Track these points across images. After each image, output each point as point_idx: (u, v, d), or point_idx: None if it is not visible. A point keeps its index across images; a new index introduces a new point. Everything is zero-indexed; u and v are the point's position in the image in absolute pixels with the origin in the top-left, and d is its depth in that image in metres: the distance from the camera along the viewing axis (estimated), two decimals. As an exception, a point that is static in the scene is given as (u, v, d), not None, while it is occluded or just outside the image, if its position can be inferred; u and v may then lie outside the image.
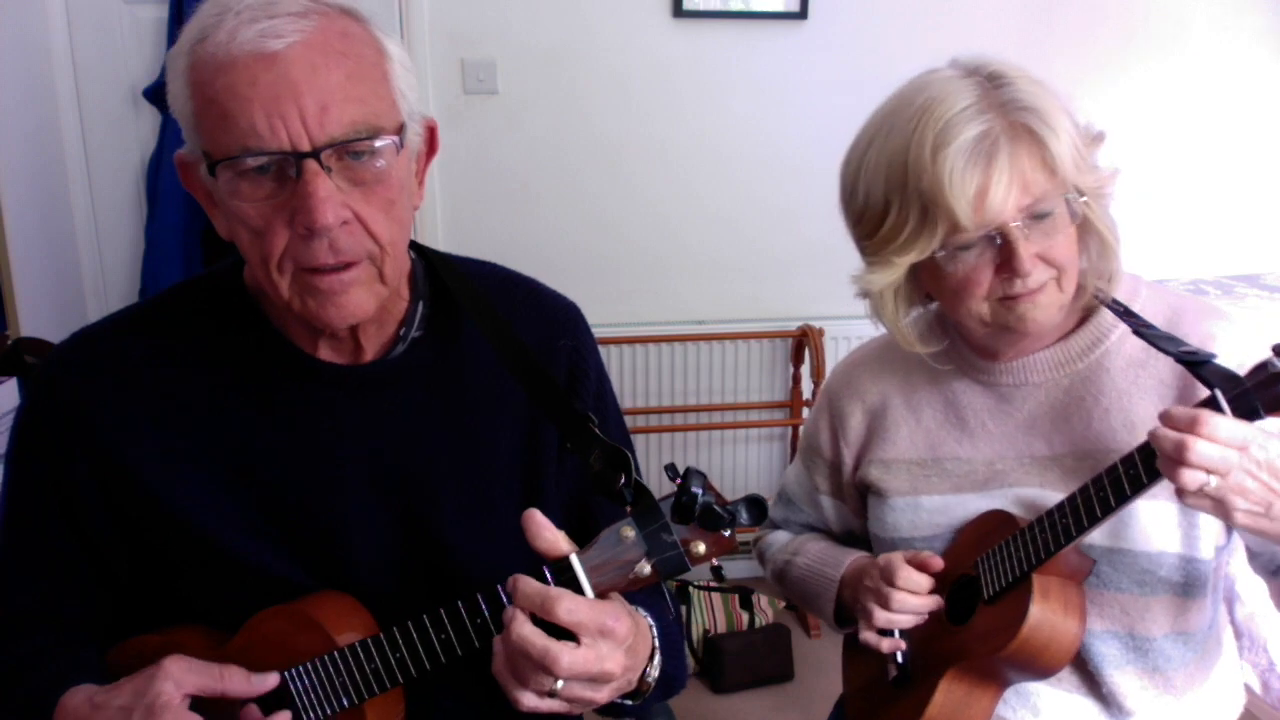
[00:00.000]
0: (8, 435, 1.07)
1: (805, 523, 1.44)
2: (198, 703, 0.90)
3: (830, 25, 2.85)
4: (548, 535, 0.85)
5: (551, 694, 0.83)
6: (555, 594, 0.82)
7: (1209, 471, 0.92)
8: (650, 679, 0.90)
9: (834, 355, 2.94)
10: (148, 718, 0.87)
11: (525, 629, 0.82)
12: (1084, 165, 1.07)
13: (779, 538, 1.45)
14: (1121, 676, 1.15)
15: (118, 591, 1.05)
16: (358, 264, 0.90)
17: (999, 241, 1.05)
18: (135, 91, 2.72)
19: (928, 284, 1.15)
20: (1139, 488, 0.99)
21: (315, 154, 0.84)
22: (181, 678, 0.89)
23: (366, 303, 0.93)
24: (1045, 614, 1.08)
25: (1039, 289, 1.07)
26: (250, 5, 0.84)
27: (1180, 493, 0.95)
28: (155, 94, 2.65)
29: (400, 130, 0.90)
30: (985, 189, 1.02)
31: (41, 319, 2.51)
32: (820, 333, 2.89)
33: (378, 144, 0.88)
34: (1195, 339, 1.08)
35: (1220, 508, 0.96)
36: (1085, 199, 1.07)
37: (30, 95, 2.60)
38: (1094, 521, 1.03)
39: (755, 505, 0.85)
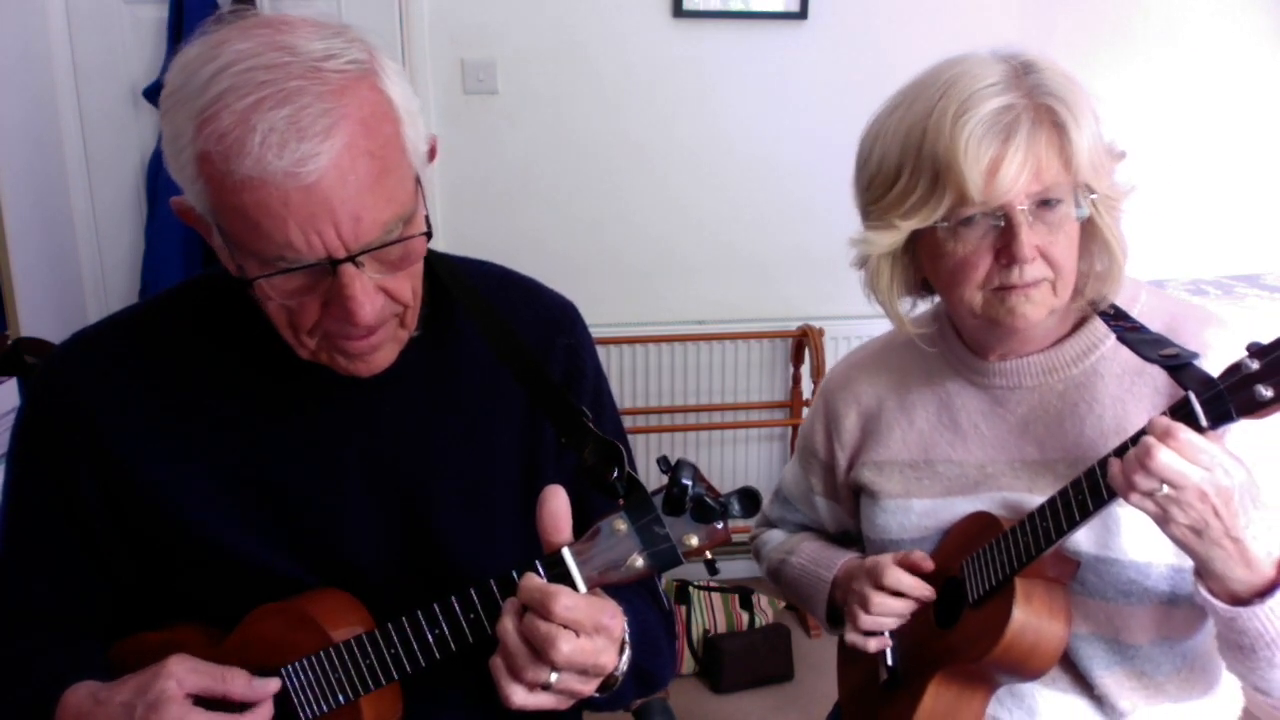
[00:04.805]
0: (8, 435, 1.07)
1: (801, 522, 1.44)
2: (197, 700, 0.90)
3: (830, 25, 2.85)
4: (563, 519, 0.86)
5: (545, 687, 0.84)
6: (554, 590, 0.82)
7: (1164, 481, 0.92)
8: (619, 672, 0.91)
9: (834, 355, 2.94)
10: (150, 713, 0.87)
11: (528, 615, 0.83)
12: (1101, 168, 1.06)
13: (775, 536, 1.45)
14: (1110, 678, 1.15)
15: (118, 589, 1.05)
16: (385, 325, 0.93)
17: (1002, 224, 1.04)
18: (135, 91, 2.72)
19: (926, 265, 1.14)
20: (1115, 493, 0.98)
21: (352, 259, 0.85)
22: (184, 677, 0.90)
23: (392, 354, 0.96)
24: (1029, 618, 1.07)
25: (1034, 284, 1.06)
26: (275, 127, 0.79)
27: (1128, 493, 0.95)
28: (155, 94, 2.65)
29: (416, 185, 0.90)
30: (998, 163, 1.01)
31: (41, 319, 2.52)
32: (820, 333, 2.89)
33: (408, 236, 0.88)
34: (1192, 347, 1.06)
35: (1161, 516, 0.96)
36: (1094, 197, 1.06)
37: (30, 95, 2.60)
38: (1074, 524, 1.02)
39: (748, 497, 0.85)
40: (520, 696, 0.85)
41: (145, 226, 2.75)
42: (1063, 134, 1.03)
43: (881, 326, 1.30)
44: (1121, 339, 1.10)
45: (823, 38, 2.86)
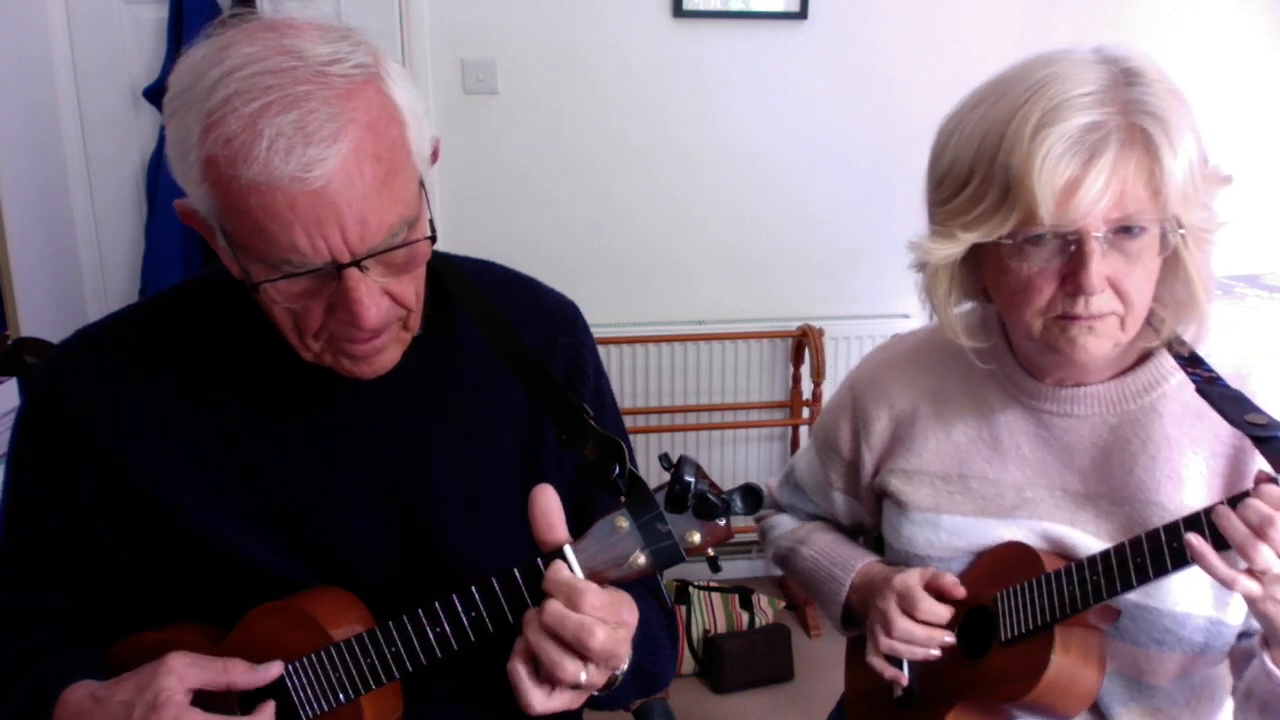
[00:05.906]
0: (8, 435, 1.07)
1: (813, 512, 1.41)
2: (195, 697, 0.90)
3: (830, 25, 2.85)
4: (555, 516, 0.86)
5: (576, 686, 0.84)
6: (583, 586, 0.83)
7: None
8: (618, 671, 0.91)
9: (834, 355, 2.94)
10: (150, 713, 0.87)
11: (556, 605, 0.82)
12: (1194, 199, 0.96)
13: (784, 521, 1.42)
14: (1127, 714, 1.12)
15: (118, 589, 1.05)
16: (389, 328, 0.93)
17: (1072, 248, 0.96)
18: (135, 91, 2.72)
19: (988, 278, 1.06)
20: (1181, 563, 0.93)
21: (357, 263, 0.85)
22: (185, 673, 0.89)
23: (396, 356, 0.97)
24: (1065, 665, 1.05)
25: (1099, 317, 0.98)
26: (283, 131, 0.79)
27: (1235, 582, 0.90)
28: (155, 94, 2.66)
29: (420, 188, 0.90)
30: (1077, 185, 0.92)
31: (41, 319, 2.52)
32: (820, 333, 2.89)
33: (413, 239, 0.88)
34: (1263, 400, 0.99)
35: (1261, 594, 0.90)
36: (1183, 232, 0.96)
37: (31, 95, 2.60)
38: (1128, 588, 0.98)
39: (750, 494, 0.85)
40: (541, 702, 0.85)
41: (145, 226, 2.75)
42: (1155, 159, 0.93)
43: (882, 327, 1.28)
44: (1200, 391, 1.02)
45: (823, 38, 2.86)
